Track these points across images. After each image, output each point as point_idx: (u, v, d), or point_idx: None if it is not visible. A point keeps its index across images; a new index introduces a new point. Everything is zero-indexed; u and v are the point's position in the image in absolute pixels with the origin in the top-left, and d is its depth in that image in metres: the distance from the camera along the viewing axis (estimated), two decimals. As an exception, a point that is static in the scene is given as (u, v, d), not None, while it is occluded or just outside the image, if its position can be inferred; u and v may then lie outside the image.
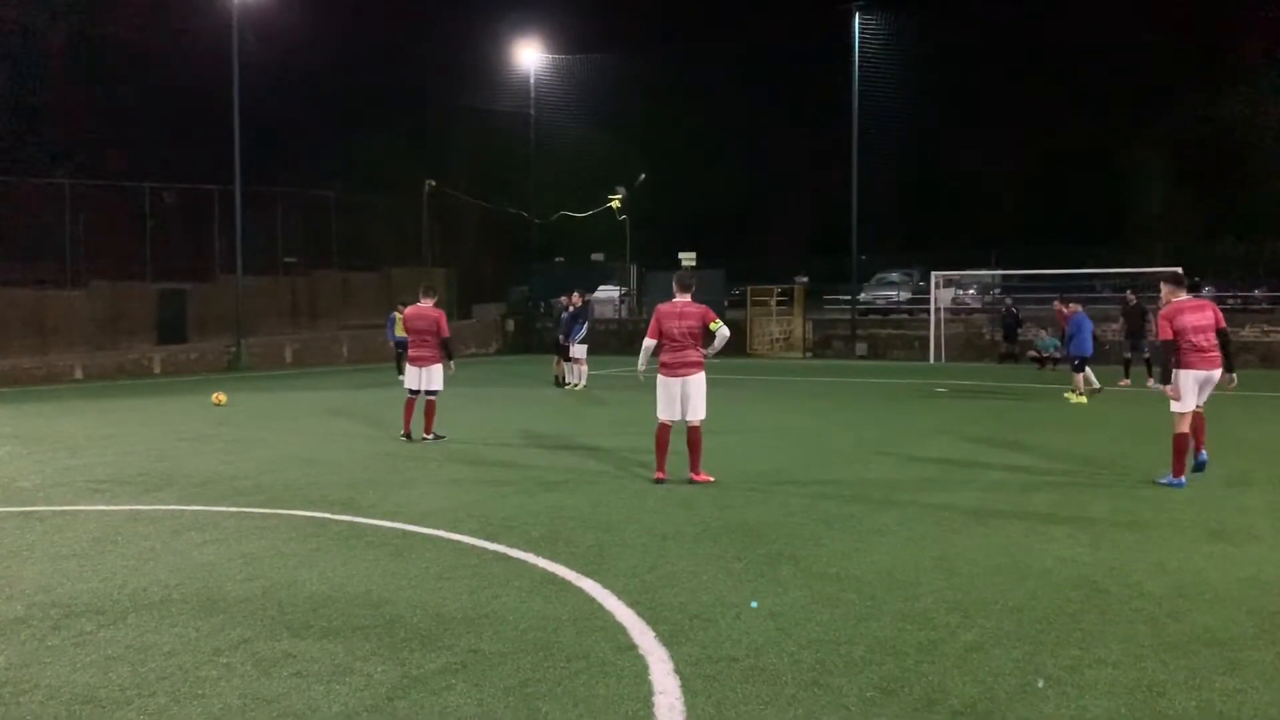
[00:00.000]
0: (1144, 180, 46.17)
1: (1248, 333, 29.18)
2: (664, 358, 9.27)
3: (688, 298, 9.38)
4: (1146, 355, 18.83)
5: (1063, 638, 4.97)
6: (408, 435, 12.32)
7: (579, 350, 20.34)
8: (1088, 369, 18.00)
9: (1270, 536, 7.16)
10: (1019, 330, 28.50)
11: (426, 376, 12.29)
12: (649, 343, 9.45)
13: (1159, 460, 10.32)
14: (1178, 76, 42.59)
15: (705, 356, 9.35)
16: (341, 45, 39.08)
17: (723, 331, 9.34)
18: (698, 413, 9.25)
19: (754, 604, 5.50)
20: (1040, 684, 4.33)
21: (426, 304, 12.47)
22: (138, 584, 5.98)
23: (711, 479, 9.18)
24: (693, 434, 9.30)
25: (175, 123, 33.34)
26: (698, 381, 9.23)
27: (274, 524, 7.67)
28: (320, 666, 4.58)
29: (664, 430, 9.35)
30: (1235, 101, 37.96)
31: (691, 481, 9.18)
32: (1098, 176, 46.68)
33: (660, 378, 9.29)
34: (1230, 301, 34.94)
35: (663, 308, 9.39)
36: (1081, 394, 17.02)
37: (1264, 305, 33.83)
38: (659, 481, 9.20)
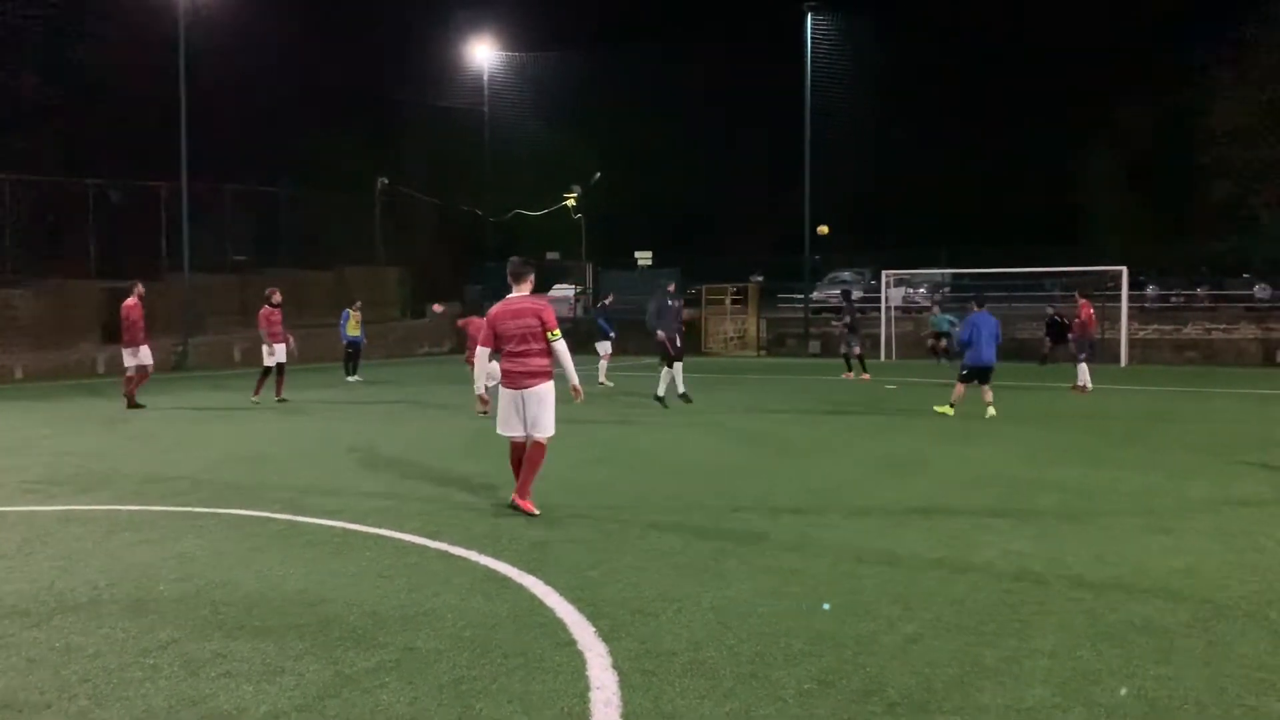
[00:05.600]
0: (1095, 181, 47.00)
1: (1190, 330, 29.78)
2: (503, 365, 7.79)
3: (525, 291, 7.85)
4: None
5: (1001, 628, 4.99)
6: None
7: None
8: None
9: (1208, 528, 7.27)
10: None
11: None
12: (482, 351, 7.91)
13: (1102, 455, 10.47)
14: (1129, 80, 43.38)
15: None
16: (292, 40, 38.50)
17: (562, 348, 7.75)
18: (543, 429, 7.73)
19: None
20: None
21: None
22: (66, 585, 5.81)
23: (536, 512, 7.61)
24: (534, 451, 7.76)
25: (120, 118, 32.68)
26: (543, 393, 7.70)
27: (212, 523, 7.51)
28: (250, 666, 4.48)
29: (515, 450, 7.93)
30: (1183, 105, 38.74)
31: (514, 506, 7.71)
32: (1050, 177, 47.45)
33: (501, 389, 7.83)
34: (1174, 300, 35.69)
35: (496, 307, 7.86)
36: (952, 405, 14.67)
37: (1206, 304, 34.54)
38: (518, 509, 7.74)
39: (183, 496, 8.60)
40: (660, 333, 15.81)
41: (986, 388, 14.56)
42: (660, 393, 15.89)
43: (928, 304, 35.18)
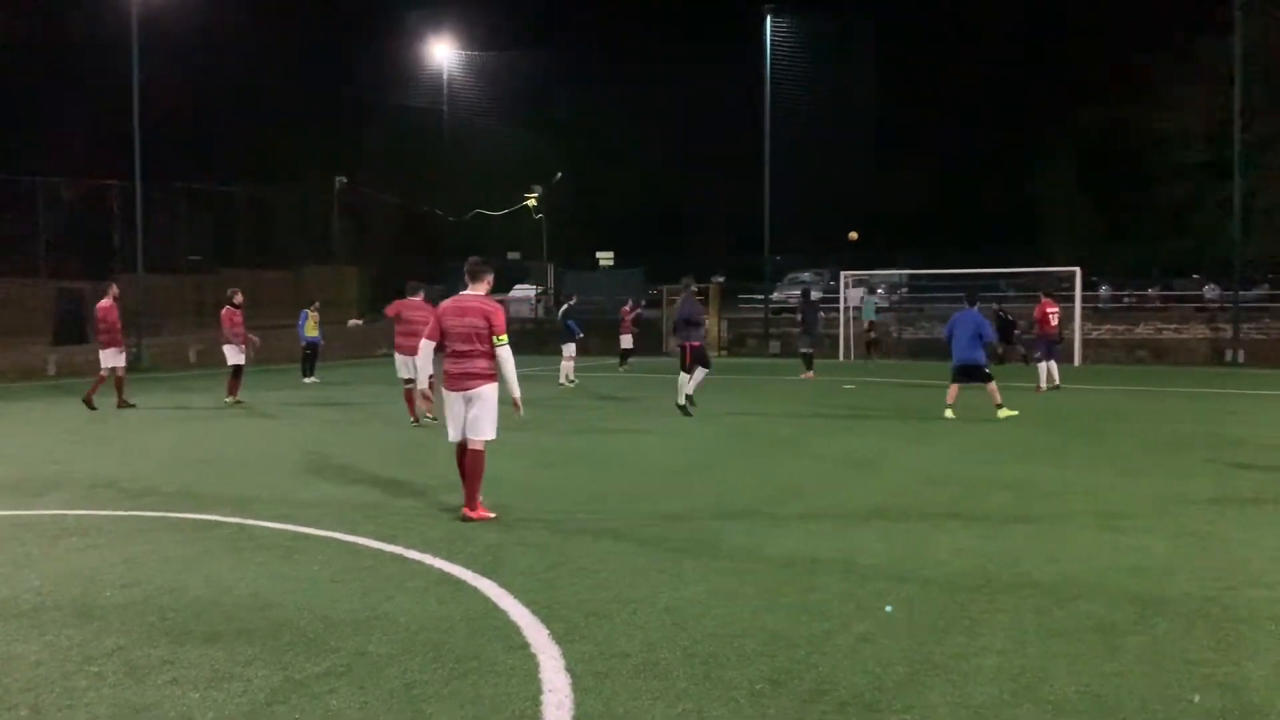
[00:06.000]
0: (1049, 184, 47.72)
1: (1142, 330, 30.31)
2: (446, 365, 7.58)
3: (481, 291, 7.68)
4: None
5: (951, 626, 5.04)
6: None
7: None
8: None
9: (1157, 526, 7.39)
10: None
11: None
12: (426, 344, 7.76)
13: (1054, 454, 10.60)
14: (1083, 84, 44.06)
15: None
16: (250, 38, 38.09)
17: (507, 355, 7.52)
18: (481, 432, 7.48)
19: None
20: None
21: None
22: (8, 592, 5.70)
23: (492, 515, 7.53)
24: (473, 459, 7.50)
25: (72, 115, 32.14)
26: (484, 395, 7.46)
27: (161, 528, 7.39)
28: (198, 673, 4.41)
29: (461, 453, 7.68)
30: (1134, 111, 39.41)
31: (465, 518, 7.46)
32: (1007, 180, 48.08)
33: (443, 390, 7.61)
34: (1126, 300, 36.29)
35: (446, 303, 7.70)
36: (949, 408, 14.31)
37: (1157, 304, 35.16)
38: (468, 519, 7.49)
39: (132, 500, 8.46)
40: (681, 341, 14.89)
41: (989, 387, 14.31)
42: (683, 401, 14.80)
43: (885, 304, 35.54)
